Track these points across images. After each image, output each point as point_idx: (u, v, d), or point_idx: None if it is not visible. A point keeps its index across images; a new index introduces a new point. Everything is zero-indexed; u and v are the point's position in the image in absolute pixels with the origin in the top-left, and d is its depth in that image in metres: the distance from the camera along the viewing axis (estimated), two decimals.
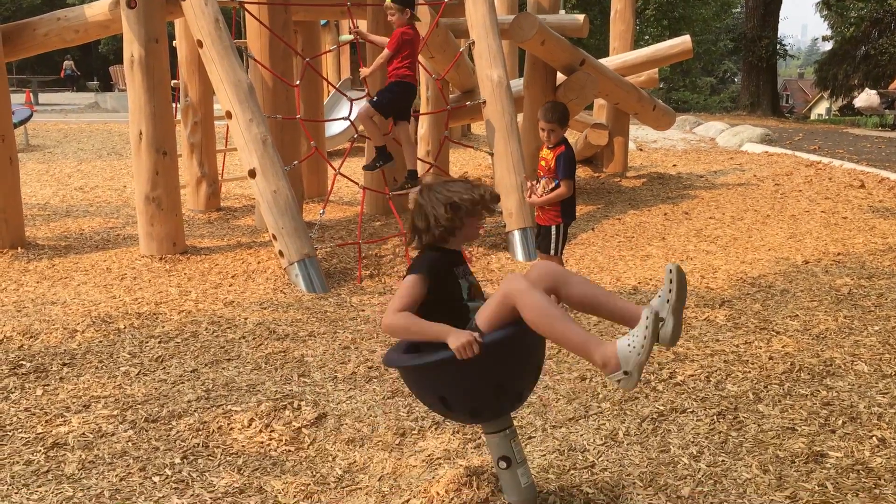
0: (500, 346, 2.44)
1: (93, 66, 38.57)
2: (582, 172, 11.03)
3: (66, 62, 33.97)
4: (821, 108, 41.96)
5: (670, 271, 2.41)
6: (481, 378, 2.49)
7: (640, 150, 14.02)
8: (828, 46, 30.49)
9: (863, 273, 5.76)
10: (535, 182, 5.12)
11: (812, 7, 31.76)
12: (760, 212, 8.33)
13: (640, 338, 2.31)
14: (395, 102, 6.33)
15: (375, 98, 6.40)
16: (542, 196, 5.06)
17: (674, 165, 12.10)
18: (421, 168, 9.44)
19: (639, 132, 15.07)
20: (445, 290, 2.60)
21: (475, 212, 2.62)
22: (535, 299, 2.39)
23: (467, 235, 2.68)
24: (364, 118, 6.36)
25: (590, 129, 10.55)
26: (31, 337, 4.47)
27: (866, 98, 18.22)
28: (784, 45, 33.75)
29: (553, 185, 5.00)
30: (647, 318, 2.30)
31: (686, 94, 35.58)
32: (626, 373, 2.33)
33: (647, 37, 29.52)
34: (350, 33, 7.08)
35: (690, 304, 5.10)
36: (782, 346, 4.30)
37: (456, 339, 2.39)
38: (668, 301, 2.41)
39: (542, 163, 5.07)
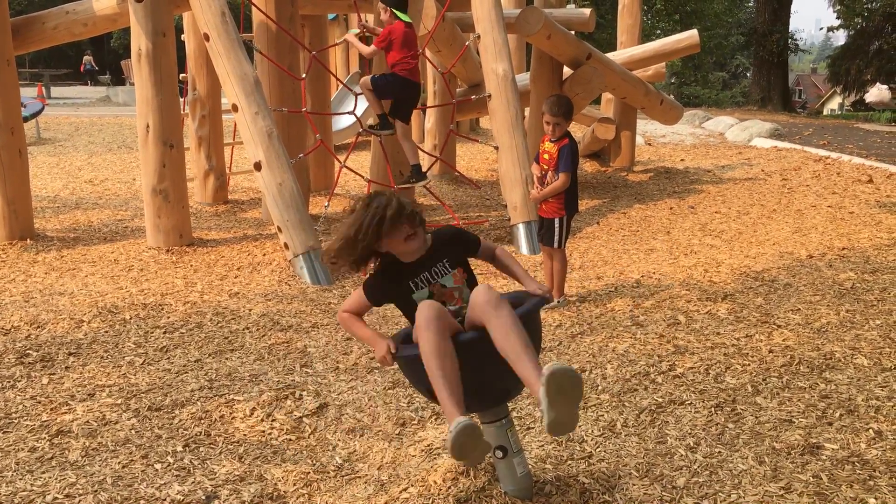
0: (410, 361, 2.57)
1: (105, 60, 38.77)
2: (589, 166, 11.03)
3: (85, 57, 34.19)
4: (833, 104, 41.71)
5: (542, 376, 2.28)
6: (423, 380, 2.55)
7: (649, 144, 14.00)
8: (840, 41, 30.29)
9: (867, 268, 5.75)
10: (541, 176, 5.13)
11: (825, 1, 31.53)
12: (767, 206, 8.31)
13: (451, 437, 2.32)
14: (389, 88, 6.46)
15: (375, 76, 6.53)
16: (540, 190, 5.09)
17: (681, 160, 12.08)
18: (427, 161, 9.48)
19: (647, 126, 15.04)
20: (400, 304, 2.77)
21: (381, 232, 2.60)
22: (424, 343, 2.44)
23: (398, 248, 2.67)
24: (363, 87, 6.56)
25: (597, 124, 10.54)
26: (39, 327, 4.53)
27: (877, 93, 18.13)
28: (795, 39, 33.58)
29: (556, 178, 5.03)
30: (460, 425, 2.31)
31: (697, 89, 35.46)
32: (448, 446, 2.36)
33: (658, 31, 29.41)
34: (357, 27, 7.12)
35: (693, 297, 5.12)
36: (783, 340, 4.31)
37: (377, 350, 2.61)
38: (546, 399, 2.28)
39: (546, 156, 5.08)
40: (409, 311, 2.70)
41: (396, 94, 6.52)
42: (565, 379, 2.29)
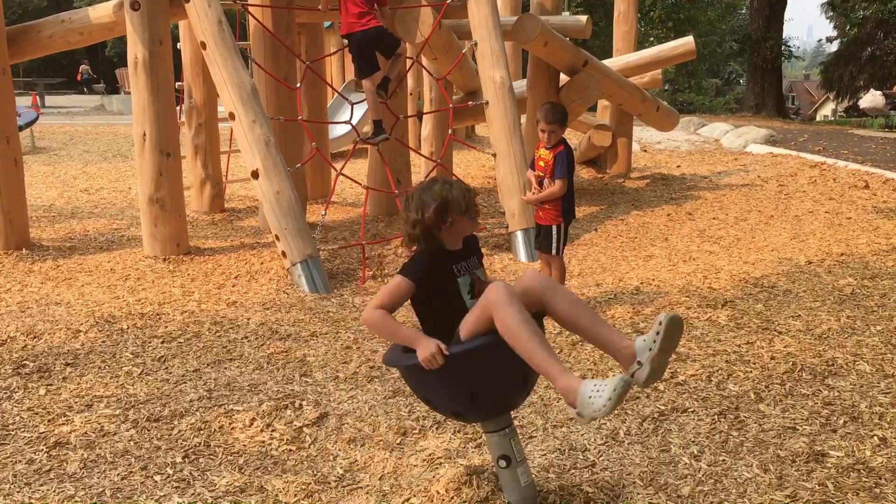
0: (467, 357, 2.46)
1: (99, 69, 38.72)
2: (585, 173, 11.04)
3: (82, 66, 34.20)
4: (826, 110, 41.84)
5: (660, 322, 2.36)
6: (454, 385, 2.52)
7: (645, 151, 14.02)
8: (833, 48, 30.43)
9: (866, 273, 5.75)
10: (537, 182, 5.12)
11: (818, 8, 31.66)
12: (764, 212, 8.32)
13: (604, 398, 2.26)
14: (364, 55, 6.48)
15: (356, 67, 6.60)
16: (535, 194, 5.09)
17: (678, 166, 12.09)
18: (426, 167, 9.47)
19: (643, 133, 15.06)
20: (438, 290, 2.62)
21: (462, 209, 2.61)
22: (510, 314, 2.38)
23: (458, 233, 2.65)
24: (366, 90, 6.60)
25: (593, 131, 10.55)
26: (35, 337, 4.50)
27: (871, 99, 18.20)
28: (789, 46, 33.72)
29: (552, 184, 5.02)
30: (615, 388, 2.25)
31: (691, 96, 35.50)
32: (579, 414, 2.31)
33: (651, 38, 29.50)
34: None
35: (693, 304, 5.10)
36: (784, 347, 4.29)
37: (423, 349, 2.45)
38: (649, 349, 2.38)
39: (541, 163, 5.07)
40: (444, 301, 2.62)
41: (360, 50, 6.49)
42: (677, 326, 2.39)
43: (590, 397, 2.28)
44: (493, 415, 2.66)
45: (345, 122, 7.55)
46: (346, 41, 6.69)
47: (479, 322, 2.48)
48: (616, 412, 3.55)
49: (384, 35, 6.52)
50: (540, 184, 5.11)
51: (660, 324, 2.36)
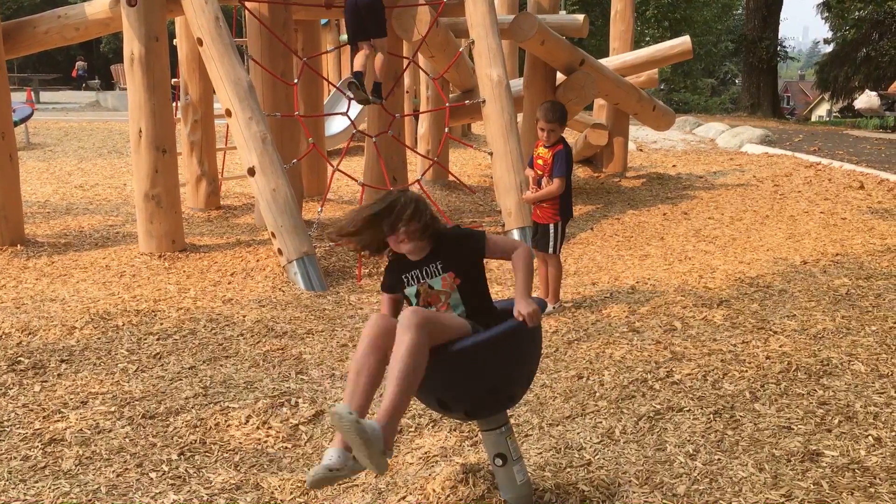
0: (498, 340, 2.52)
1: (94, 64, 38.61)
2: (581, 172, 11.04)
3: (78, 62, 34.13)
4: (821, 110, 41.95)
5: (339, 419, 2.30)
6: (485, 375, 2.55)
7: (640, 150, 14.03)
8: (828, 48, 30.49)
9: (861, 274, 5.76)
10: (536, 181, 5.13)
11: (813, 9, 31.74)
12: (759, 212, 8.33)
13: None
14: (349, 22, 6.67)
15: None
16: (534, 191, 5.09)
17: (673, 166, 12.10)
18: (422, 165, 9.46)
19: (639, 133, 15.08)
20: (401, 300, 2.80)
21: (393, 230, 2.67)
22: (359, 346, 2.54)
23: (396, 248, 2.73)
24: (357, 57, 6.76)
25: (589, 130, 10.55)
26: (30, 333, 4.48)
27: (867, 100, 18.21)
28: (785, 46, 33.78)
29: (549, 183, 5.02)
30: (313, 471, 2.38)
31: (687, 96, 35.52)
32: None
33: (647, 38, 29.49)
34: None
35: (689, 303, 5.11)
36: (779, 346, 4.30)
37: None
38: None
39: (540, 161, 5.08)
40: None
41: (351, 22, 6.66)
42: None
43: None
44: (495, 411, 2.67)
45: (342, 114, 7.52)
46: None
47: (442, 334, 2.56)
48: (612, 411, 3.56)
49: (373, 8, 6.58)
50: (538, 183, 5.11)
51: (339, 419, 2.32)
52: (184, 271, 6.01)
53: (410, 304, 2.73)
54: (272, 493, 2.92)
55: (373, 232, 2.69)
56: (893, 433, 3.26)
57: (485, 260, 2.84)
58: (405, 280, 2.74)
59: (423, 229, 2.68)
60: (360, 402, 2.45)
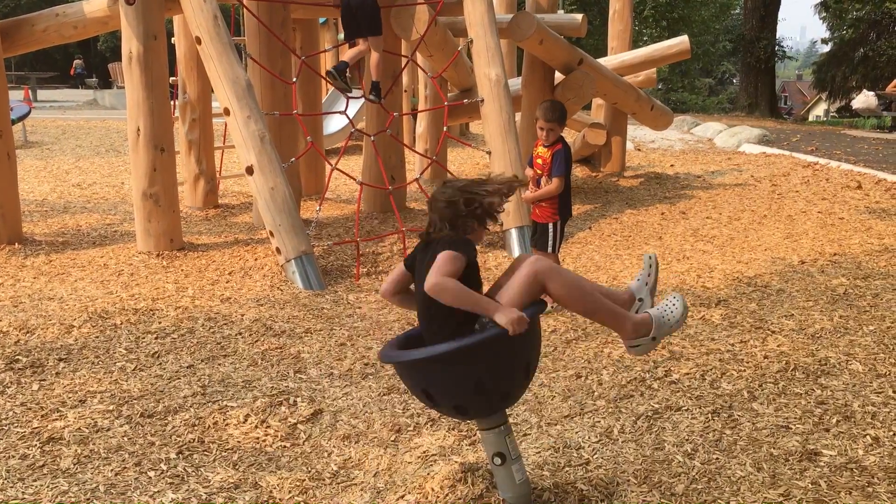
0: (534, 323, 2.57)
1: (92, 63, 38.57)
2: (579, 172, 11.05)
3: (76, 61, 34.12)
4: (819, 110, 41.99)
5: (649, 257, 2.84)
6: (513, 360, 2.56)
7: (638, 149, 14.04)
8: (826, 48, 30.54)
9: (858, 273, 5.77)
10: (535, 180, 5.12)
11: (811, 9, 31.77)
12: (757, 212, 8.34)
13: (679, 309, 2.73)
14: (343, 18, 6.77)
15: None
16: (533, 192, 5.09)
17: (671, 165, 12.11)
18: (420, 164, 9.46)
19: (637, 132, 15.09)
20: (472, 275, 2.61)
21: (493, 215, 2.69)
22: (567, 276, 2.59)
23: (482, 235, 2.72)
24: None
25: (588, 129, 10.55)
26: (28, 332, 4.48)
27: (864, 100, 18.22)
28: (782, 46, 33.76)
29: (549, 182, 5.02)
30: (680, 297, 2.74)
31: (684, 95, 35.55)
32: (653, 338, 2.69)
33: (645, 38, 29.50)
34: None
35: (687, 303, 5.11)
36: (777, 346, 4.31)
37: (505, 315, 2.43)
38: (646, 284, 2.80)
39: (539, 161, 5.08)
40: (470, 284, 2.56)
41: (344, 19, 6.75)
42: (656, 261, 2.89)
43: (663, 317, 2.71)
44: (499, 407, 2.65)
45: (341, 113, 7.53)
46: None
47: (527, 293, 2.54)
48: (610, 410, 3.56)
49: (371, 9, 6.63)
50: (537, 182, 5.11)
51: (650, 258, 2.84)
52: (182, 270, 6.00)
53: (475, 282, 2.66)
54: (271, 491, 2.92)
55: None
56: (891, 433, 3.27)
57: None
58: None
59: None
60: None
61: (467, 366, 2.50)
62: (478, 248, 2.79)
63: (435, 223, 2.65)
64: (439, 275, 2.46)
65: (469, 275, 2.57)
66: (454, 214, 2.60)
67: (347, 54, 6.90)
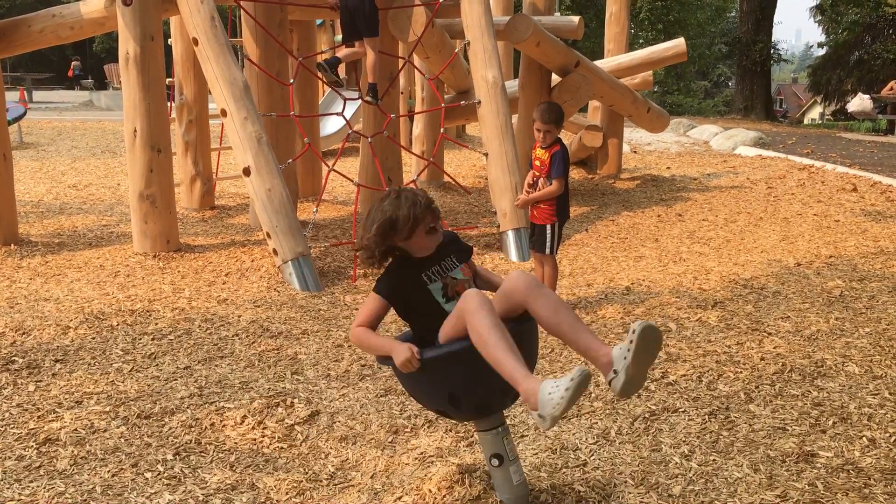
0: (438, 362, 2.51)
1: (88, 64, 38.51)
2: (576, 174, 11.06)
3: (73, 62, 34.11)
4: (814, 113, 42.11)
5: (633, 331, 2.29)
6: (433, 387, 2.60)
7: (635, 152, 14.06)
8: (821, 51, 30.64)
9: (854, 275, 5.79)
10: (532, 182, 5.13)
11: (806, 12, 31.87)
12: (753, 214, 8.36)
13: (560, 392, 2.20)
14: (342, 22, 6.93)
15: None
16: (529, 194, 5.10)
17: (667, 168, 12.14)
18: (417, 166, 9.46)
19: (633, 134, 15.12)
20: (413, 300, 2.68)
21: (410, 226, 2.60)
22: (479, 320, 2.38)
23: (420, 244, 2.66)
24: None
25: (584, 131, 10.57)
26: (24, 333, 4.47)
27: (859, 103, 18.29)
28: (778, 49, 33.91)
29: (548, 184, 5.03)
30: (573, 378, 2.19)
31: (680, 98, 35.66)
32: (540, 416, 2.25)
33: (640, 41, 29.58)
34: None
35: (683, 304, 5.12)
36: (774, 348, 4.32)
37: (398, 356, 2.51)
38: (624, 358, 2.31)
39: (537, 163, 5.08)
40: (420, 309, 2.67)
41: (342, 21, 6.86)
42: (652, 335, 2.31)
43: (549, 394, 2.22)
44: (475, 416, 2.68)
45: (337, 114, 7.53)
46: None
47: (456, 329, 2.51)
48: (607, 412, 3.56)
49: (368, 11, 6.69)
50: (534, 184, 5.11)
51: (633, 332, 2.29)
52: (178, 271, 5.99)
53: (434, 302, 2.65)
54: (268, 493, 2.92)
55: (401, 233, 2.61)
56: (887, 434, 3.28)
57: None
58: (426, 278, 2.66)
59: (440, 216, 2.72)
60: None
61: (438, 376, 2.56)
62: (476, 250, 2.80)
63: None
64: (353, 326, 2.70)
65: (409, 301, 2.68)
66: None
67: (342, 52, 6.96)
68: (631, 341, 2.29)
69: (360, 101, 7.47)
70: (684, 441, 3.27)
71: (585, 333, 2.45)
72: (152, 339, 4.48)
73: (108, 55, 36.32)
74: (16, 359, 4.09)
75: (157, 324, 4.74)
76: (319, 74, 6.92)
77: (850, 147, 14.49)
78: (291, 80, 6.98)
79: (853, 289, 5.45)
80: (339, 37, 15.19)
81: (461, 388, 2.56)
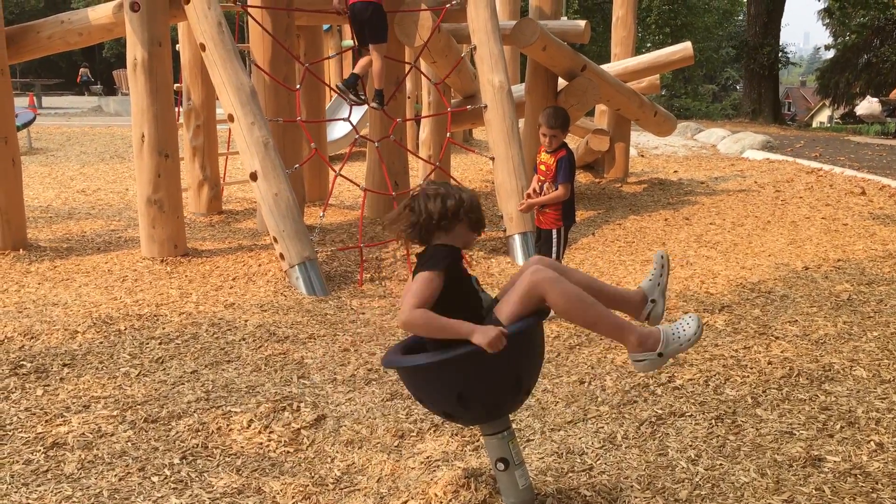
0: (522, 337, 2.48)
1: (97, 70, 38.72)
2: (583, 178, 11.05)
3: (82, 69, 34.31)
4: (822, 116, 41.99)
5: (661, 257, 2.73)
6: (499, 372, 2.52)
7: (642, 156, 14.04)
8: (830, 54, 30.56)
9: (862, 279, 5.76)
10: (537, 189, 5.13)
11: (814, 15, 31.81)
12: (761, 218, 8.34)
13: (692, 329, 2.58)
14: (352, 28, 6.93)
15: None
16: (536, 197, 5.10)
17: (675, 171, 12.11)
18: (423, 170, 9.47)
19: (640, 138, 15.10)
20: (461, 284, 2.59)
21: (473, 217, 2.64)
22: (566, 287, 2.48)
23: (463, 238, 2.65)
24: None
25: (591, 135, 10.56)
26: (32, 338, 4.49)
27: (868, 106, 18.23)
28: (786, 52, 33.82)
29: (554, 188, 5.03)
30: (692, 317, 2.60)
31: (688, 102, 35.61)
32: (660, 354, 2.56)
33: (648, 44, 29.57)
34: (352, 39, 7.16)
35: (690, 308, 5.12)
36: (781, 352, 4.31)
37: (483, 335, 2.37)
38: (658, 284, 2.69)
39: (543, 167, 5.08)
40: (463, 290, 2.58)
41: (352, 27, 6.90)
42: (668, 260, 2.78)
43: (674, 334, 2.57)
44: (485, 419, 2.66)
45: (344, 119, 7.55)
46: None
47: (525, 304, 2.49)
48: (613, 416, 3.56)
49: (374, 17, 6.71)
50: (540, 189, 5.11)
51: (661, 257, 2.73)
52: (186, 276, 6.01)
53: (474, 289, 2.63)
54: (274, 497, 2.92)
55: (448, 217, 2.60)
56: (895, 438, 3.26)
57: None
58: (465, 269, 2.67)
59: None
60: None
61: (448, 377, 2.52)
62: (481, 254, 2.80)
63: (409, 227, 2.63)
64: (408, 308, 2.43)
65: (453, 287, 2.52)
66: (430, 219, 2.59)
67: (358, 66, 6.99)
68: (662, 266, 2.73)
69: (366, 106, 7.49)
70: (691, 445, 3.26)
71: (614, 288, 2.79)
72: (159, 344, 4.49)
73: (117, 61, 36.53)
74: (24, 363, 4.11)
75: (164, 328, 4.76)
76: (343, 95, 7.02)
77: (858, 150, 14.44)
78: (298, 86, 7.01)
79: (861, 292, 5.42)
80: (346, 42, 15.24)
81: (526, 368, 2.59)
